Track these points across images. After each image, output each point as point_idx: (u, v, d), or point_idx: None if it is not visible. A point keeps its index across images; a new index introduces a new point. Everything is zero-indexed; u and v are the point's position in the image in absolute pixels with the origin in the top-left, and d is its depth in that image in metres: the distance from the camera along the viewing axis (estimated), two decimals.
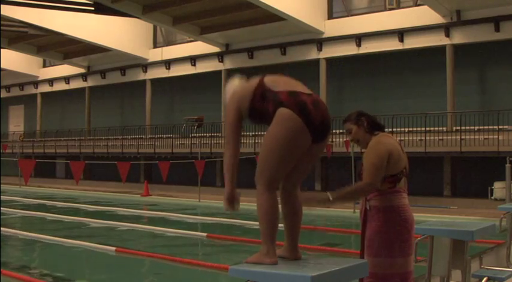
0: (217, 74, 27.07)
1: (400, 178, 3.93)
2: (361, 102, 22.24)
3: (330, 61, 23.70)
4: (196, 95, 29.10)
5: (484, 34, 19.98)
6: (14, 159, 24.81)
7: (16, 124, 40.73)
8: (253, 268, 3.17)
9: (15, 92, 39.64)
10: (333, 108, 23.04)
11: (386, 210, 3.85)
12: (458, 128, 19.56)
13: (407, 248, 3.89)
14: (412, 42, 21.47)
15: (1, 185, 15.82)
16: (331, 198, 3.73)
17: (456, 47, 20.62)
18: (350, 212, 15.84)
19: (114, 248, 10.59)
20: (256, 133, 24.18)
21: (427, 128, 19.73)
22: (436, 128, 19.68)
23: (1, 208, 13.75)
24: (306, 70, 24.72)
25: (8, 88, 40.05)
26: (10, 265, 9.47)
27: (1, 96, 40.58)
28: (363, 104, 21.75)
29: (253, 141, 23.71)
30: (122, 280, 8.66)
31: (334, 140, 20.81)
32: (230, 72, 26.93)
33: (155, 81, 30.39)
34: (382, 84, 23.11)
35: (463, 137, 18.99)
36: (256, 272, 3.13)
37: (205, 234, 12.42)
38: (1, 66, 31.52)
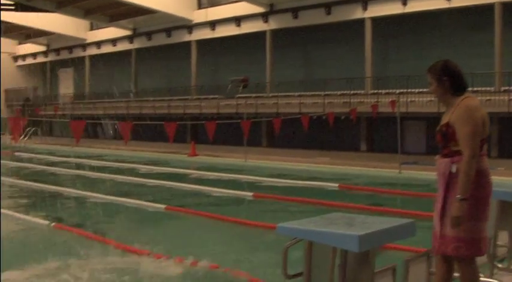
0: (261, 34, 27.00)
1: (486, 142, 3.85)
2: (406, 62, 21.90)
3: (375, 20, 23.30)
4: (241, 55, 29.13)
5: None
6: (66, 120, 25.46)
7: (66, 86, 41.53)
8: (301, 226, 3.30)
9: (65, 55, 40.35)
10: (378, 68, 22.84)
11: (476, 174, 3.73)
12: (506, 88, 19.14)
13: (489, 212, 3.84)
14: (459, 1, 20.90)
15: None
16: (460, 198, 3.62)
17: (505, 5, 20.00)
18: (396, 172, 15.86)
19: (163, 206, 10.96)
20: (302, 94, 24.24)
21: (474, 88, 19.35)
22: (483, 88, 19.29)
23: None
24: (350, 30, 24.44)
25: (57, 51, 40.83)
26: (64, 221, 9.92)
27: (50, 59, 41.55)
28: (408, 64, 21.43)
29: (298, 101, 23.77)
30: (172, 236, 8.95)
31: (380, 100, 20.64)
32: (275, 33, 26.84)
33: (200, 43, 30.50)
34: (428, 43, 22.60)
35: (511, 97, 18.60)
36: (304, 230, 3.25)
37: (251, 193, 12.67)
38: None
